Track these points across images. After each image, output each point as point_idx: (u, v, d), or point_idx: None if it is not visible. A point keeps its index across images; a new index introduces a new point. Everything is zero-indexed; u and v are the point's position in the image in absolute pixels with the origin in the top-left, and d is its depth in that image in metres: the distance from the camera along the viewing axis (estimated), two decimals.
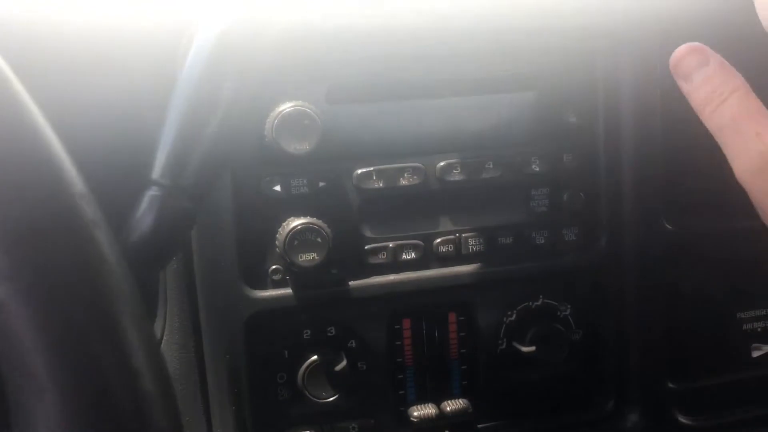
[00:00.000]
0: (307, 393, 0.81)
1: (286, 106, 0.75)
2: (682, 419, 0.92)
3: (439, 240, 0.84)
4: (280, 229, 0.78)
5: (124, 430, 0.38)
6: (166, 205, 0.57)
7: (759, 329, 0.95)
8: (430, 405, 0.88)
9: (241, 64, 0.60)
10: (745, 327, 0.95)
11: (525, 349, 0.87)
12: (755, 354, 0.95)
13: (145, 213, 0.57)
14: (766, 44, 0.62)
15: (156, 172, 0.57)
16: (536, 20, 0.81)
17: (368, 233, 0.83)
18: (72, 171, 0.41)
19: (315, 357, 0.82)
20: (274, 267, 0.81)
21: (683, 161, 0.90)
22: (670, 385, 0.92)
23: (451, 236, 0.85)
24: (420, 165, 0.82)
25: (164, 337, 0.80)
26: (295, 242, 0.77)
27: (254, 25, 0.60)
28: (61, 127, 0.42)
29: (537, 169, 0.86)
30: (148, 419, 0.39)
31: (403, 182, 0.82)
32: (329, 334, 0.84)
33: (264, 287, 0.80)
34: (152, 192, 0.57)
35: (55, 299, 0.37)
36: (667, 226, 0.88)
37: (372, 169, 0.81)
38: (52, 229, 0.38)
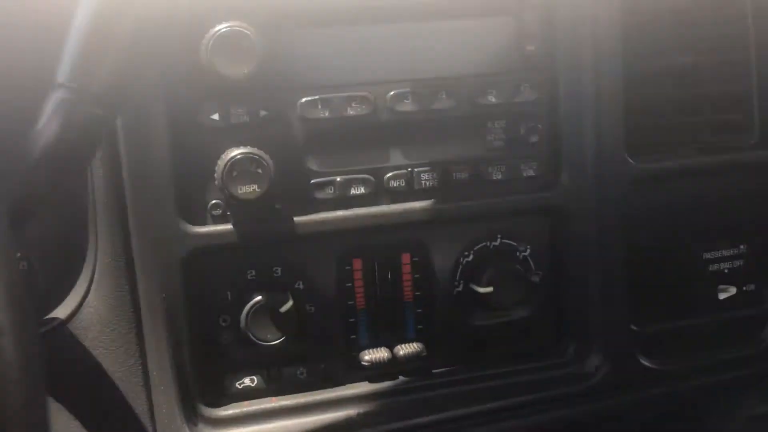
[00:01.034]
0: (251, 335, 0.77)
1: (222, 27, 0.71)
2: (645, 362, 0.89)
3: (390, 174, 0.80)
4: (218, 160, 0.74)
5: None
6: (74, 110, 0.52)
7: (726, 270, 0.92)
8: (382, 349, 0.84)
9: None
10: (711, 268, 0.92)
11: (482, 290, 0.84)
12: (722, 296, 0.92)
13: (51, 118, 0.52)
14: None
15: (63, 74, 0.52)
16: None
17: (314, 166, 0.78)
18: None
19: (259, 297, 0.77)
20: (213, 201, 0.76)
21: (646, 93, 0.86)
22: (633, 328, 0.89)
23: (403, 170, 0.81)
24: (369, 94, 0.78)
25: (95, 276, 0.75)
26: (234, 173, 0.72)
27: None
28: None
29: (493, 100, 0.81)
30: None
31: (351, 112, 0.78)
32: (275, 274, 0.80)
33: (203, 222, 0.76)
34: (58, 95, 0.52)
35: None
36: (630, 161, 0.84)
37: (317, 97, 0.77)
38: None
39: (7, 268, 0.34)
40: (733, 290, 0.93)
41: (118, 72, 0.54)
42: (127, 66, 0.55)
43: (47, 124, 0.52)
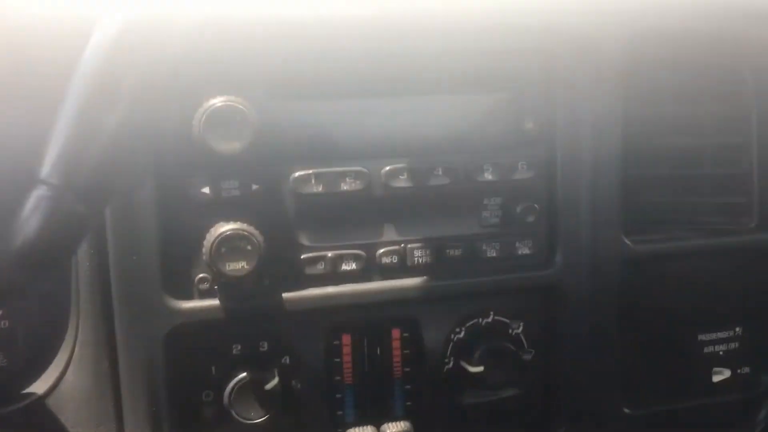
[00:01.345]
0: (233, 413, 0.75)
1: (216, 101, 0.69)
2: None
3: (382, 250, 0.79)
4: (207, 235, 0.72)
5: None
6: (54, 208, 0.51)
7: (721, 353, 0.91)
8: (369, 428, 0.81)
9: (146, 55, 0.53)
10: (706, 350, 0.90)
11: (473, 369, 0.82)
12: (716, 378, 0.91)
13: (30, 215, 0.50)
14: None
15: (45, 171, 0.51)
16: (491, 18, 0.76)
17: (305, 241, 0.77)
18: None
19: (244, 374, 0.75)
20: (200, 276, 0.75)
21: (643, 174, 0.85)
22: (626, 411, 0.87)
23: (396, 246, 0.79)
24: (364, 169, 0.77)
25: (75, 351, 0.73)
26: (223, 249, 0.71)
27: (161, 14, 0.54)
28: None
29: (490, 177, 0.80)
30: None
31: (345, 187, 0.76)
32: (261, 349, 0.78)
33: (189, 297, 0.74)
34: (40, 192, 0.50)
35: None
36: (626, 241, 0.83)
37: (311, 172, 0.75)
38: None
39: None
40: (727, 373, 0.91)
41: (102, 168, 0.53)
42: (110, 161, 0.53)
43: (27, 219, 0.51)
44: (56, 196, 0.51)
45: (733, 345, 0.91)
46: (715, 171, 0.87)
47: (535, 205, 0.81)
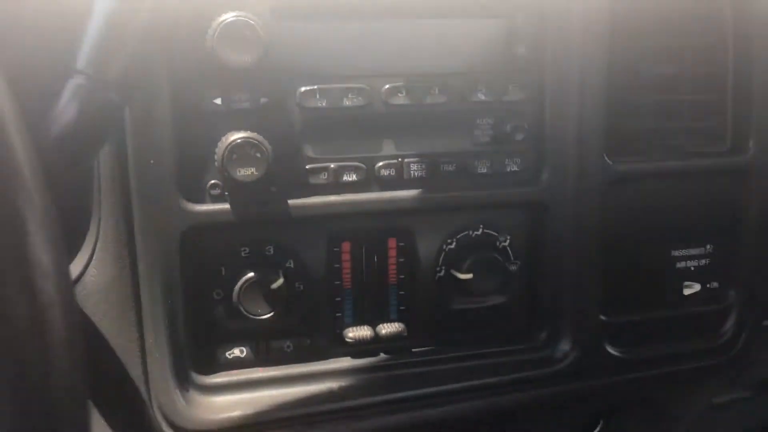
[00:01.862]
0: (242, 309, 0.82)
1: (228, 16, 0.74)
2: (612, 351, 0.94)
3: (381, 163, 0.84)
4: (219, 143, 0.78)
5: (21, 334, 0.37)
6: (91, 96, 0.56)
7: (692, 268, 0.97)
8: (365, 327, 0.89)
9: None
10: (678, 265, 0.97)
11: (462, 276, 0.88)
12: (687, 292, 0.98)
13: (68, 103, 0.56)
14: None
15: (81, 62, 0.56)
16: None
17: (310, 153, 0.82)
18: None
19: (252, 274, 0.82)
20: (212, 182, 0.80)
21: (627, 99, 0.91)
22: (602, 318, 0.94)
23: (394, 160, 0.85)
24: (365, 86, 0.82)
25: (97, 246, 0.79)
26: (234, 156, 0.76)
27: None
28: None
29: (482, 98, 0.86)
30: (37, 291, 0.38)
31: (347, 103, 0.81)
32: (267, 253, 0.85)
33: (202, 201, 0.80)
34: (77, 81, 0.56)
35: None
36: (608, 162, 0.89)
37: (316, 87, 0.80)
38: None
39: (53, 223, 0.38)
40: (697, 287, 0.98)
41: (132, 60, 0.58)
42: (140, 55, 0.59)
43: (65, 107, 0.56)
44: (92, 85, 0.56)
45: (703, 261, 0.97)
46: (692, 98, 0.93)
47: (524, 125, 0.87)
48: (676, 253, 0.96)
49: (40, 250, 0.35)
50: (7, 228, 0.34)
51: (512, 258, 0.93)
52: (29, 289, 0.34)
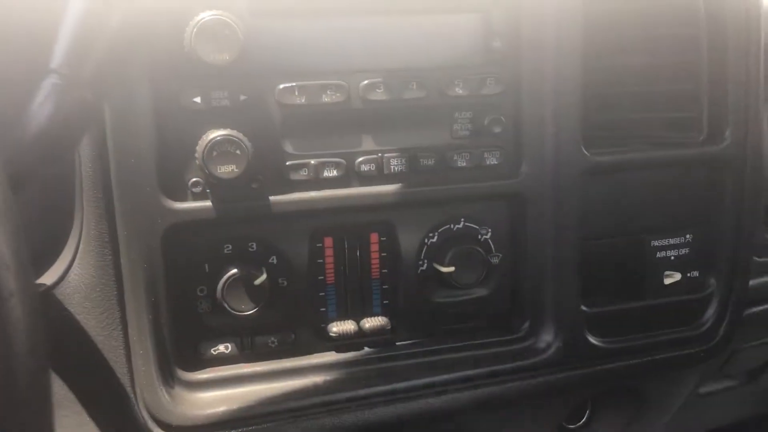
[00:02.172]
0: (226, 305, 0.83)
1: (205, 15, 0.75)
2: (593, 340, 0.95)
3: (361, 159, 0.85)
4: (199, 141, 0.78)
5: None
6: (65, 95, 0.57)
7: (672, 257, 0.98)
8: (349, 322, 0.89)
9: None
10: (659, 255, 0.98)
11: (444, 269, 0.89)
12: (667, 281, 0.99)
13: (43, 103, 0.56)
14: None
15: (56, 61, 0.57)
16: None
17: (290, 149, 0.83)
18: None
19: (235, 270, 0.82)
20: (194, 179, 0.81)
21: (603, 90, 0.92)
22: (583, 308, 0.95)
23: (374, 155, 0.86)
24: (343, 83, 0.83)
25: (80, 245, 0.79)
26: (214, 153, 0.77)
27: None
28: None
29: (460, 92, 0.86)
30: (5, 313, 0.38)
31: (326, 99, 0.82)
32: (250, 249, 0.85)
33: (183, 199, 0.81)
34: (51, 80, 0.57)
35: None
36: (585, 153, 0.90)
37: (294, 84, 0.81)
38: None
39: (15, 232, 0.38)
40: (677, 276, 0.99)
41: (107, 59, 0.59)
42: (115, 53, 0.60)
43: (40, 107, 0.57)
44: (66, 84, 0.57)
45: (683, 250, 0.99)
46: (668, 88, 0.94)
47: (502, 118, 0.88)
48: (655, 243, 0.98)
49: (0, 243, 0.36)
50: None
51: (494, 250, 0.94)
52: None
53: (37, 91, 0.56)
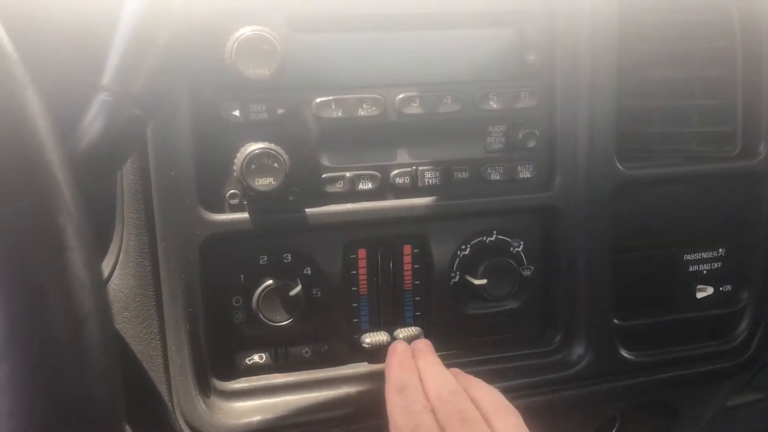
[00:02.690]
0: (261, 316, 0.83)
1: (245, 30, 0.76)
2: (625, 354, 0.95)
3: (396, 171, 0.86)
4: (238, 154, 0.79)
5: (54, 310, 0.38)
6: (116, 111, 0.58)
7: (704, 271, 0.98)
8: (382, 333, 0.90)
9: None
10: (691, 269, 0.98)
11: (477, 281, 0.90)
12: (700, 295, 0.99)
13: (95, 119, 0.57)
14: None
15: (107, 78, 0.58)
16: None
17: (326, 162, 0.84)
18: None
19: (270, 281, 0.83)
20: (231, 191, 0.82)
21: (637, 104, 0.92)
22: (615, 322, 0.95)
23: (408, 168, 0.86)
24: (379, 96, 0.83)
25: (120, 256, 0.81)
26: (252, 166, 0.78)
27: None
28: (9, 28, 0.43)
29: (494, 105, 0.87)
30: (76, 303, 0.39)
31: (362, 113, 0.83)
32: (285, 260, 0.86)
33: (221, 211, 0.82)
34: (102, 97, 0.58)
35: None
36: (619, 167, 0.90)
37: (331, 98, 0.82)
38: None
39: (91, 249, 0.39)
40: (710, 290, 0.99)
41: (155, 76, 0.60)
42: (162, 70, 0.61)
43: (91, 123, 0.58)
44: (117, 101, 0.58)
45: (716, 264, 0.98)
46: (702, 102, 0.94)
47: (536, 131, 0.88)
48: (688, 256, 0.97)
49: (80, 264, 0.36)
50: (50, 243, 0.35)
51: (525, 263, 0.94)
52: (69, 300, 0.35)
53: (88, 108, 0.58)
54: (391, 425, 0.73)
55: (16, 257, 0.34)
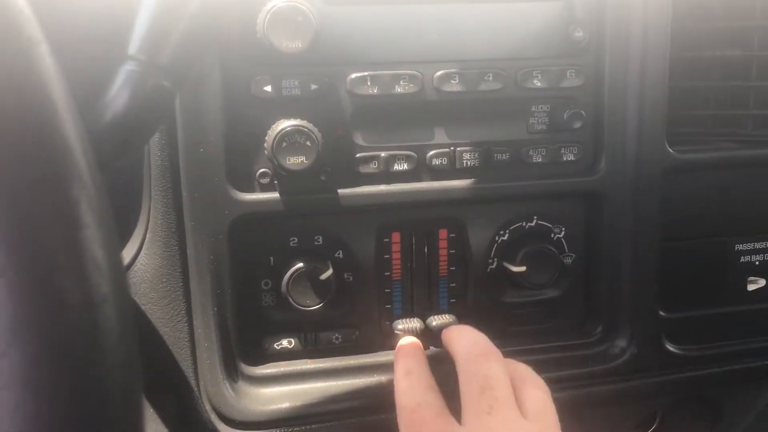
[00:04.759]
0: (291, 300, 0.80)
1: (278, 1, 0.72)
2: (670, 347, 0.91)
3: (432, 152, 0.82)
4: (269, 131, 0.76)
5: (67, 294, 0.35)
6: (143, 82, 0.55)
7: (757, 262, 0.93)
8: (415, 320, 0.87)
9: None
10: (742, 259, 0.93)
11: (515, 268, 0.86)
12: (750, 287, 0.94)
13: (120, 90, 0.54)
14: None
15: (133, 47, 0.55)
16: None
17: (360, 141, 0.81)
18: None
19: (300, 264, 0.80)
20: (261, 170, 0.79)
21: (690, 84, 0.87)
22: (661, 314, 0.90)
23: (446, 149, 0.82)
24: (417, 73, 0.80)
25: (147, 235, 0.78)
26: (284, 144, 0.75)
27: None
28: None
29: (538, 84, 0.83)
30: (91, 286, 0.36)
31: (399, 90, 0.79)
32: (316, 243, 0.83)
33: (251, 190, 0.79)
34: (128, 67, 0.55)
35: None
36: (669, 150, 0.85)
37: (367, 74, 0.78)
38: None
39: (110, 231, 0.36)
40: (762, 282, 0.94)
41: (184, 46, 0.57)
42: (192, 41, 0.57)
43: (117, 94, 0.55)
44: (144, 71, 0.55)
45: None
46: (760, 84, 0.88)
47: (582, 112, 0.83)
48: (739, 246, 0.92)
49: (95, 243, 0.33)
50: (62, 219, 0.32)
51: (567, 250, 0.90)
52: (84, 282, 0.32)
53: (113, 78, 0.55)
54: (398, 409, 0.71)
55: (22, 232, 0.31)
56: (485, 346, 0.73)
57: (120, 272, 0.36)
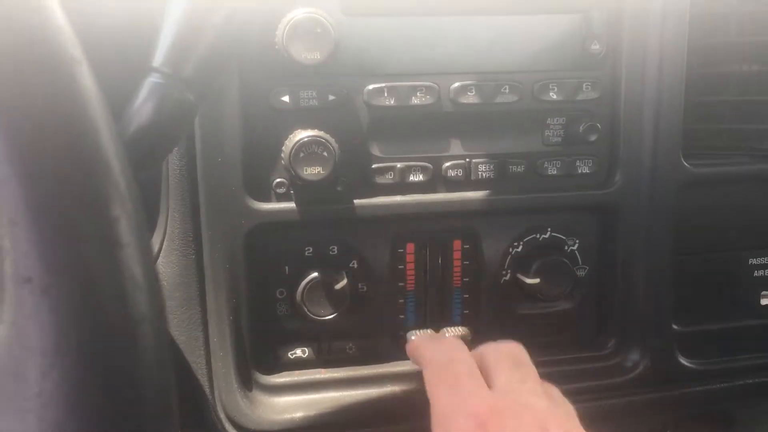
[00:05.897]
0: (305, 309, 0.81)
1: (298, 13, 0.73)
2: (684, 361, 0.91)
3: (448, 164, 0.82)
4: (286, 141, 0.77)
5: (107, 313, 0.35)
6: (167, 95, 0.55)
7: None
8: (429, 331, 0.87)
9: None
10: (756, 273, 0.93)
11: (529, 280, 0.86)
12: (764, 302, 0.93)
13: (144, 102, 0.55)
14: None
15: (158, 60, 0.55)
16: None
17: (376, 152, 0.81)
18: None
19: (315, 274, 0.81)
20: (278, 180, 0.79)
21: (706, 98, 0.87)
22: (675, 327, 0.90)
23: (461, 161, 0.83)
24: (434, 84, 0.80)
25: (164, 243, 0.79)
26: (301, 155, 0.75)
27: None
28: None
29: (554, 96, 0.83)
30: (131, 305, 0.36)
31: (415, 101, 0.80)
32: (331, 252, 0.83)
33: (267, 200, 0.79)
34: (153, 79, 0.55)
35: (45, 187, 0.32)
36: (685, 164, 0.85)
37: (384, 85, 0.79)
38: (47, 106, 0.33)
39: (147, 248, 0.36)
40: None
41: (207, 60, 0.57)
42: (215, 53, 0.58)
43: (141, 106, 0.55)
44: (168, 83, 0.55)
45: None
46: None
47: (598, 125, 0.83)
48: (753, 260, 0.92)
49: (134, 260, 0.34)
50: (103, 238, 0.33)
51: (581, 262, 0.90)
52: (124, 301, 0.33)
53: (137, 91, 0.55)
54: (425, 371, 0.70)
55: (66, 252, 0.31)
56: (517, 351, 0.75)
57: (157, 290, 0.36)
